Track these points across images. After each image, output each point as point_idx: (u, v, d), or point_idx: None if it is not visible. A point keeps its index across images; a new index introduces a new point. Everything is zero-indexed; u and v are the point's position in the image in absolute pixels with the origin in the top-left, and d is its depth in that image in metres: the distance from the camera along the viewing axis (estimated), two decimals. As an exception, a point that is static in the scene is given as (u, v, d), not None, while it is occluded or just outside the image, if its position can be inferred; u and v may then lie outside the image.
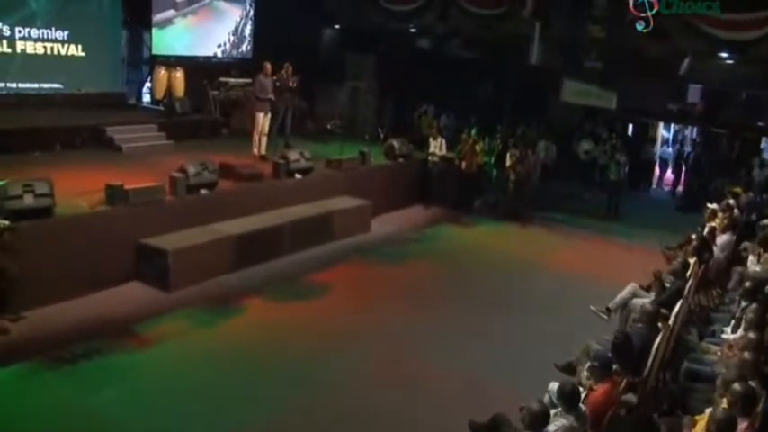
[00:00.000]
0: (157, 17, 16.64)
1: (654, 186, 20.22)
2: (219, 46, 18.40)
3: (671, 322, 7.12)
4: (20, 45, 14.17)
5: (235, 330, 8.25)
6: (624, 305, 8.75)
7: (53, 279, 8.15)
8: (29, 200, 7.99)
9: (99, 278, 8.69)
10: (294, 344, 7.99)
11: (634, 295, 8.76)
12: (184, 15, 17.39)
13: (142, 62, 17.29)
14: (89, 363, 7.10)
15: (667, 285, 8.53)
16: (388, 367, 7.69)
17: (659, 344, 6.30)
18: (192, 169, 9.99)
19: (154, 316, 8.31)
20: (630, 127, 20.67)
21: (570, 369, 7.23)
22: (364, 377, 7.46)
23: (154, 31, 16.58)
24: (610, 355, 5.71)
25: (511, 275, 11.23)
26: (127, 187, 9.05)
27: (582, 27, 16.83)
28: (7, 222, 7.69)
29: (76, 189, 9.51)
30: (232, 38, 18.78)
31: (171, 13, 16.97)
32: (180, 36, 17.29)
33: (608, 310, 8.83)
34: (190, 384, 6.96)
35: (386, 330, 8.61)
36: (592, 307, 9.01)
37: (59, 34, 14.79)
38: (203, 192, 10.20)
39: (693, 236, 10.79)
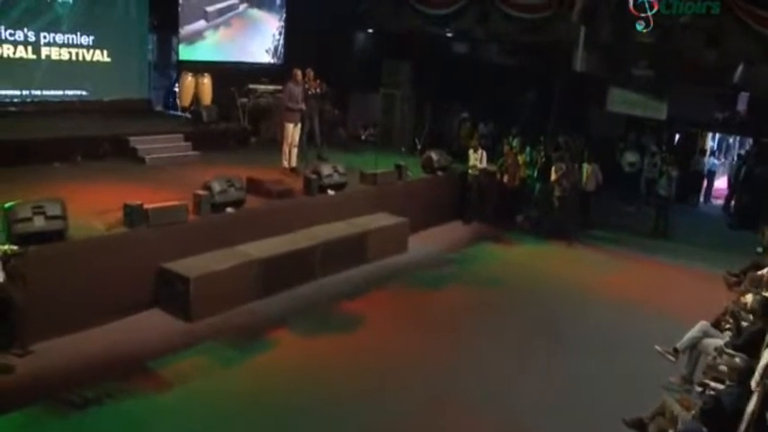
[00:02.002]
0: (186, 30, 15.92)
1: (701, 200, 19.18)
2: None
3: (758, 375, 6.20)
4: (44, 51, 13.84)
5: (262, 370, 7.44)
6: (694, 346, 7.83)
7: (65, 308, 7.45)
8: (39, 222, 7.28)
9: (115, 306, 7.98)
10: (327, 385, 7.21)
11: (705, 335, 7.84)
12: (216, 28, 16.60)
13: (170, 67, 16.70)
14: (100, 409, 6.35)
15: (744, 325, 7.62)
16: (427, 412, 6.91)
17: (754, 409, 5.39)
18: (217, 186, 9.25)
19: (173, 351, 7.55)
20: (677, 137, 19.62)
21: (641, 426, 6.37)
22: (402, 422, 6.70)
23: (181, 47, 15.98)
24: (703, 429, 4.82)
25: (559, 304, 10.30)
26: (146, 207, 8.31)
27: (630, 32, 15.85)
28: (15, 247, 7.01)
29: (94, 206, 8.85)
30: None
31: (201, 24, 16.21)
32: (210, 53, 16.66)
33: (675, 351, 7.90)
34: (212, 434, 6.22)
35: (425, 368, 7.79)
36: (657, 347, 8.07)
37: (85, 39, 14.42)
38: (229, 210, 9.46)
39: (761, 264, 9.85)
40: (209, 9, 16.34)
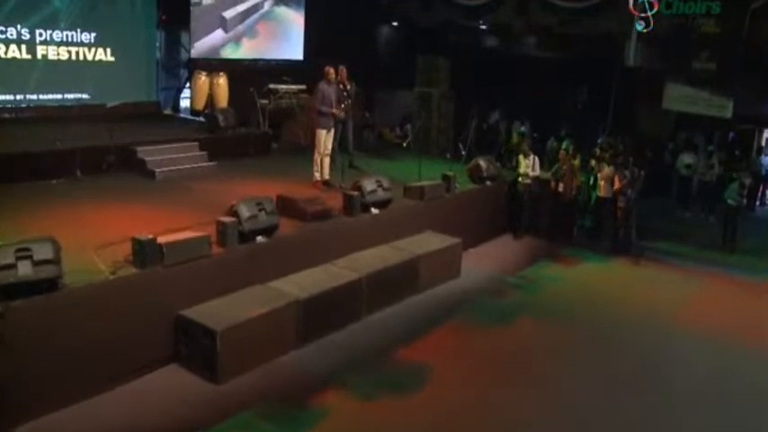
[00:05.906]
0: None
1: (758, 203, 17.53)
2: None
3: None
4: (41, 50, 12.50)
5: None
6: None
7: (60, 376, 5.87)
8: (24, 269, 5.60)
9: (123, 367, 6.38)
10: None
11: None
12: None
13: (180, 66, 15.11)
14: None
15: None
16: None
17: None
18: (245, 211, 7.60)
19: (200, 428, 5.91)
20: (730, 135, 17.97)
21: None
22: None
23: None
24: None
25: (647, 341, 8.59)
26: (160, 241, 6.67)
27: (691, 21, 14.25)
28: (-6, 305, 5.42)
29: (96, 238, 7.19)
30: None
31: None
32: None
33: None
34: None
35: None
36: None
37: (85, 37, 13.08)
38: (260, 240, 7.82)
39: None
40: (228, 15, 14.47)
